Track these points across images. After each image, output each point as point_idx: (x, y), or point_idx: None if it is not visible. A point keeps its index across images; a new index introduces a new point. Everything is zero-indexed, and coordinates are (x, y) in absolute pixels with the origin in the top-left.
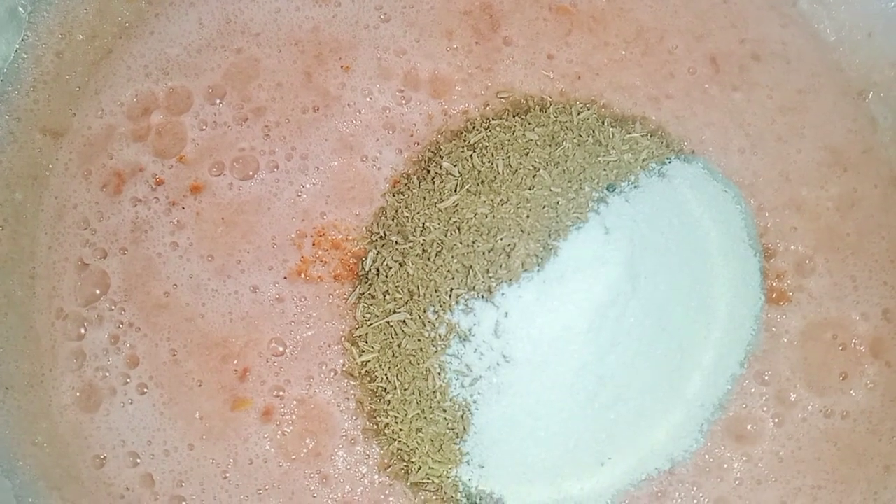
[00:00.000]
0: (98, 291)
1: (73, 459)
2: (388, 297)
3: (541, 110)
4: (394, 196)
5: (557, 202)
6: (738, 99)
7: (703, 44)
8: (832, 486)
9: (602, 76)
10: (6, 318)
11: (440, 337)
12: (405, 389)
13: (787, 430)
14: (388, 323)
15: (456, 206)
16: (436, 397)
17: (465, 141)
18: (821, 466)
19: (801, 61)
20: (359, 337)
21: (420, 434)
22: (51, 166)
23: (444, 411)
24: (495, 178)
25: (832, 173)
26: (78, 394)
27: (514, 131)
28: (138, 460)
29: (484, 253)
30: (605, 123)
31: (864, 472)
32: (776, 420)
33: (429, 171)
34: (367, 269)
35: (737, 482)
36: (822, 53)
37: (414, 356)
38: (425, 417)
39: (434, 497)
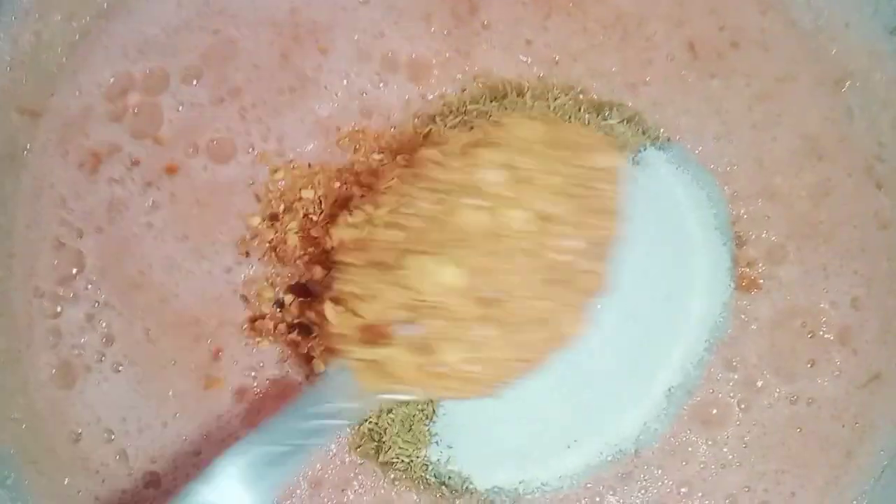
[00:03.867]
0: (74, 270)
1: (50, 435)
2: None
3: (518, 95)
4: None
5: None
6: (715, 86)
7: (683, 30)
8: (795, 471)
9: (580, 62)
10: None
11: None
12: None
13: (752, 416)
14: None
15: None
16: None
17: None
18: (785, 451)
19: (780, 49)
20: None
21: (390, 415)
22: (28, 146)
23: None
24: None
25: (807, 162)
26: (54, 371)
27: (490, 116)
28: (113, 436)
29: None
30: (581, 110)
31: (826, 458)
32: (742, 406)
33: None
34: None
35: (701, 466)
36: (801, 41)
37: None
38: None
39: (403, 476)
